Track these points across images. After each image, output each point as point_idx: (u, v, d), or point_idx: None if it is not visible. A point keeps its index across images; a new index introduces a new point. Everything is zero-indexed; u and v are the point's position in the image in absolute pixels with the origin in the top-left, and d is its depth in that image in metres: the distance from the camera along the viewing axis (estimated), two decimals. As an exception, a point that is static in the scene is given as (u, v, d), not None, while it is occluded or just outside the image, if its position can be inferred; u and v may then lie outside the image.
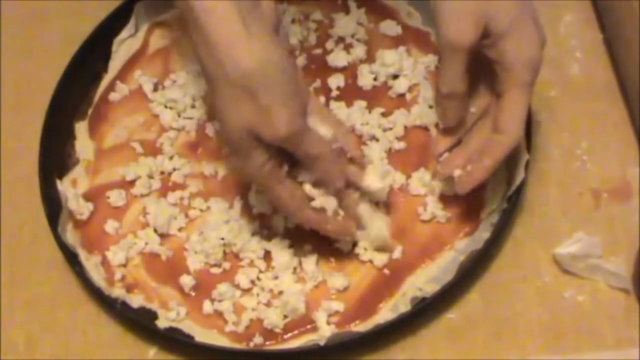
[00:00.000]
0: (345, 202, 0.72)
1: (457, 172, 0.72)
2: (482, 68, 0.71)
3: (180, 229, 0.78)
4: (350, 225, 0.72)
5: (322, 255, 0.75)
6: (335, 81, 0.83)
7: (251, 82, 0.64)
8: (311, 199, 0.70)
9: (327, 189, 0.70)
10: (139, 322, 0.74)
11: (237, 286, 0.74)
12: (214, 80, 0.65)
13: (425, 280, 0.73)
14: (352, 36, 0.86)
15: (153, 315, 0.74)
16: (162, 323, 0.73)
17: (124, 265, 0.76)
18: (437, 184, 0.76)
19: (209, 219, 0.77)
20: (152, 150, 0.82)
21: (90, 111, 0.85)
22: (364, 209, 0.73)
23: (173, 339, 0.72)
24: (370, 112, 0.81)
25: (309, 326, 0.72)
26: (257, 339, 0.72)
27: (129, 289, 0.75)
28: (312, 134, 0.68)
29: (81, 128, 0.84)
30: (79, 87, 0.86)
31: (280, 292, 0.73)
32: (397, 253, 0.74)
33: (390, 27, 0.86)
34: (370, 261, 0.74)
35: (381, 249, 0.74)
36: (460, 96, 0.71)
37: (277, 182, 0.68)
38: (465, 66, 0.69)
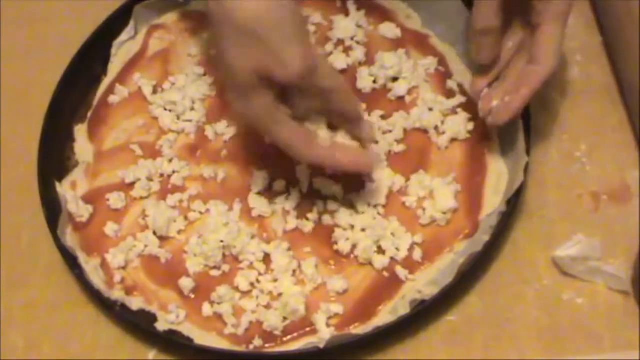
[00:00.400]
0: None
1: (494, 102, 0.74)
2: (516, 3, 0.72)
3: (179, 232, 0.78)
4: (367, 155, 0.73)
5: (322, 257, 0.75)
6: (335, 84, 0.83)
7: (259, 25, 0.65)
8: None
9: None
10: (138, 325, 0.73)
11: (237, 289, 0.74)
12: (221, 26, 0.66)
13: (424, 282, 0.73)
14: (352, 39, 0.85)
15: (152, 318, 0.74)
16: (161, 325, 0.73)
17: (124, 268, 0.76)
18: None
19: (208, 221, 0.77)
20: (152, 152, 0.82)
21: (89, 114, 0.85)
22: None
23: (172, 342, 0.72)
24: (369, 114, 0.81)
25: (308, 329, 0.72)
26: (257, 342, 0.72)
27: (129, 291, 0.75)
28: (324, 68, 0.69)
29: (80, 131, 0.84)
30: (78, 89, 0.86)
31: (280, 295, 0.73)
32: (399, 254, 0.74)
33: (389, 30, 0.86)
34: (370, 264, 0.74)
35: None
36: (495, 32, 0.73)
37: (281, 123, 0.69)
38: (500, 1, 0.70)
